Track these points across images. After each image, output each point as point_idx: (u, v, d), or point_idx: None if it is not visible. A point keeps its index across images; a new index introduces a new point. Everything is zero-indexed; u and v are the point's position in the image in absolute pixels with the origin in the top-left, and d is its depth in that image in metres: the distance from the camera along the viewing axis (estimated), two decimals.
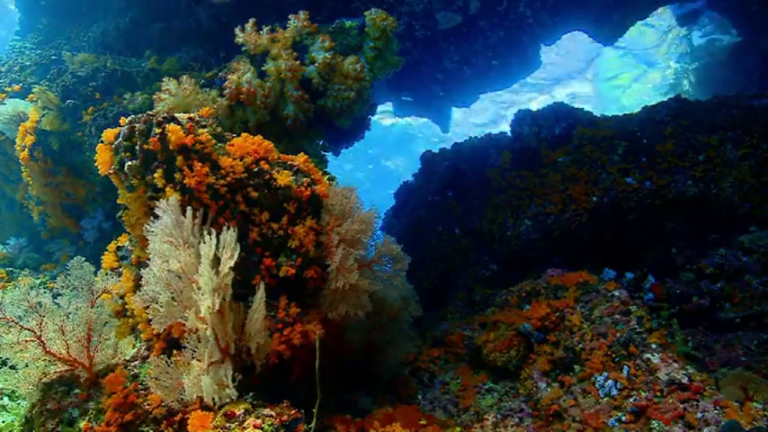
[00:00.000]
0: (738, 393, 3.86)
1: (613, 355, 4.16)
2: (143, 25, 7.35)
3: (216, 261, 3.12)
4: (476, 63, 10.44)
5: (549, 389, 4.31)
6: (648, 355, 4.02)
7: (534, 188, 7.21)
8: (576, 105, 8.15)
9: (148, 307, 3.27)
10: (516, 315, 4.94)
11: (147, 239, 3.32)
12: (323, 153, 6.36)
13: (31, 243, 7.98)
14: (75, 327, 3.57)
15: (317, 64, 5.59)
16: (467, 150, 8.97)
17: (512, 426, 4.11)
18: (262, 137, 3.92)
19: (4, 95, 7.57)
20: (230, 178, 3.58)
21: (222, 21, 6.93)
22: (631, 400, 3.81)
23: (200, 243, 3.15)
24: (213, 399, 3.07)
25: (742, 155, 6.31)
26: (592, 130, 7.28)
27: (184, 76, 5.27)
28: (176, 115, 3.72)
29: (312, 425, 3.05)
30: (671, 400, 3.68)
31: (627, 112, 7.77)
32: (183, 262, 3.14)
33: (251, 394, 3.12)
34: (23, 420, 3.63)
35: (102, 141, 3.86)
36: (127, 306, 4.11)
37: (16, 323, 3.42)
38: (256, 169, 3.70)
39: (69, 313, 3.57)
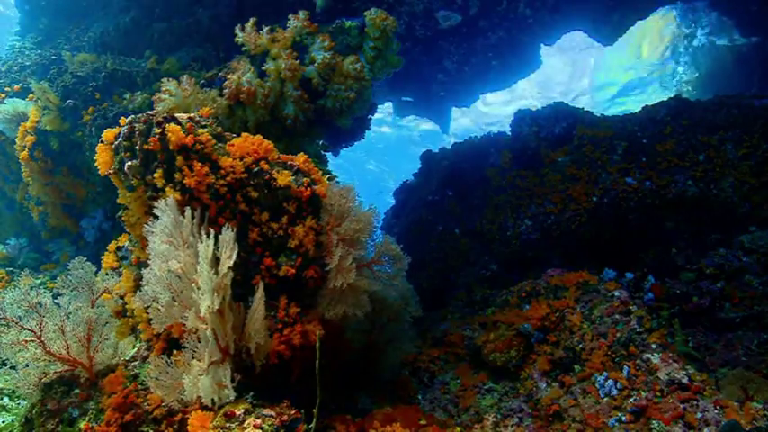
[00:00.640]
0: (738, 393, 3.86)
1: (613, 355, 4.16)
2: (143, 25, 7.35)
3: (215, 261, 3.12)
4: (476, 63, 10.44)
5: (549, 389, 4.31)
6: (648, 355, 4.02)
7: (534, 188, 7.21)
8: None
9: (148, 307, 3.27)
10: (516, 315, 4.94)
11: (147, 239, 3.32)
12: (323, 153, 6.36)
13: (31, 243, 7.97)
14: (75, 327, 3.57)
15: (316, 64, 5.59)
16: (466, 150, 8.97)
17: (512, 426, 4.11)
18: (261, 137, 3.92)
19: (3, 95, 7.57)
20: (230, 178, 3.58)
21: (222, 21, 6.93)
22: (631, 399, 3.81)
23: (199, 243, 3.15)
24: (212, 399, 3.07)
25: (742, 155, 6.31)
26: (592, 130, 7.28)
27: (184, 77, 5.26)
28: (176, 115, 3.72)
29: (312, 425, 3.04)
30: (671, 400, 3.68)
31: (627, 112, 7.77)
32: (183, 262, 3.14)
33: (251, 394, 3.12)
34: (23, 420, 3.63)
35: (102, 141, 3.86)
36: (127, 306, 4.11)
37: (16, 323, 3.42)
38: (256, 169, 3.69)
39: (69, 313, 3.58)
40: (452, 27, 9.06)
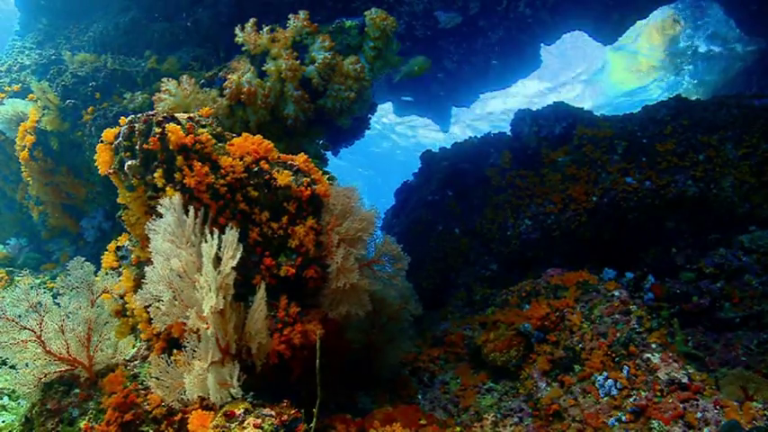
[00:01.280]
0: (738, 393, 3.86)
1: (613, 355, 4.16)
2: (143, 25, 7.35)
3: (217, 261, 3.12)
4: (476, 62, 10.45)
5: (548, 388, 4.31)
6: (648, 355, 4.02)
7: (534, 188, 7.21)
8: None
9: (148, 306, 3.27)
10: (516, 315, 4.94)
11: (147, 239, 3.32)
12: (323, 153, 6.36)
13: (31, 243, 7.97)
14: (74, 326, 3.57)
15: (317, 64, 5.59)
16: (467, 150, 8.97)
17: (511, 425, 4.11)
18: (261, 136, 3.92)
19: (3, 95, 7.57)
20: (230, 178, 3.58)
21: (222, 21, 6.93)
22: (631, 399, 3.81)
23: (201, 243, 3.15)
24: (214, 398, 3.07)
25: (742, 155, 6.31)
26: (592, 130, 7.28)
27: (184, 76, 5.26)
28: (176, 115, 3.72)
29: (312, 424, 3.04)
30: (671, 400, 3.68)
31: (627, 112, 7.77)
32: (185, 261, 3.14)
33: (251, 394, 3.12)
34: (23, 420, 3.63)
35: (102, 141, 3.86)
36: (127, 306, 4.11)
37: (16, 323, 3.42)
38: (256, 169, 3.69)
39: (69, 313, 3.57)
40: (452, 27, 9.06)
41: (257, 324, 3.23)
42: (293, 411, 3.03)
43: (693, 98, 7.27)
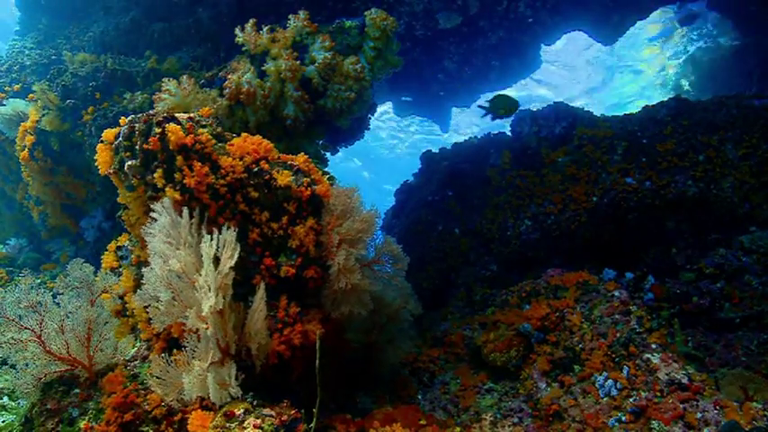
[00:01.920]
0: (738, 393, 3.86)
1: (613, 356, 4.16)
2: (143, 25, 7.35)
3: (216, 261, 3.12)
4: (476, 63, 10.45)
5: (548, 389, 4.31)
6: (648, 356, 4.02)
7: (534, 188, 7.21)
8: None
9: (148, 306, 3.27)
10: (516, 315, 4.94)
11: (146, 239, 3.32)
12: (323, 153, 6.36)
13: (31, 243, 7.97)
14: (74, 326, 3.57)
15: (317, 64, 5.59)
16: (467, 150, 8.98)
17: (511, 425, 4.11)
18: (261, 137, 3.92)
19: (3, 95, 7.57)
20: (230, 178, 3.58)
21: (222, 21, 6.93)
22: (631, 400, 3.81)
23: (198, 243, 3.15)
24: (214, 398, 3.07)
25: (742, 155, 6.31)
26: (592, 130, 7.28)
27: (184, 76, 5.26)
28: (176, 115, 3.72)
29: (312, 425, 3.04)
30: (671, 401, 3.68)
31: (627, 112, 7.78)
32: (183, 262, 3.14)
33: (251, 394, 3.12)
34: (23, 420, 3.63)
35: (102, 141, 3.86)
36: (127, 306, 4.11)
37: (16, 322, 3.42)
38: (256, 169, 3.69)
39: (69, 313, 3.57)
40: (452, 27, 9.06)
41: (257, 324, 3.23)
42: (293, 411, 3.03)
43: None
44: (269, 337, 3.34)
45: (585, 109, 8.08)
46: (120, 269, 4.40)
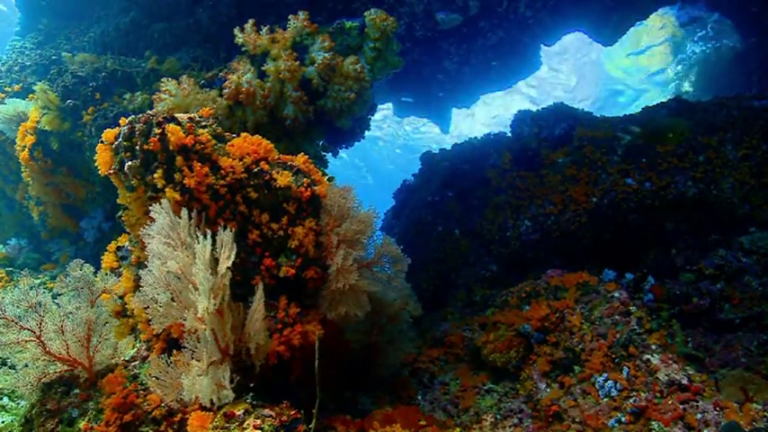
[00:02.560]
0: (738, 394, 3.86)
1: (613, 356, 4.16)
2: (143, 25, 7.35)
3: (214, 261, 3.12)
4: (476, 63, 10.44)
5: (548, 389, 4.31)
6: (648, 356, 4.02)
7: (534, 189, 7.21)
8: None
9: (148, 307, 3.27)
10: (516, 316, 4.94)
11: (145, 240, 3.32)
12: (323, 153, 6.36)
13: (31, 243, 7.97)
14: (74, 327, 3.57)
15: (316, 64, 5.59)
16: (466, 150, 8.98)
17: (511, 426, 4.11)
18: (261, 137, 3.92)
19: (3, 95, 7.57)
20: (230, 179, 3.58)
21: (222, 21, 6.93)
22: (631, 400, 3.81)
23: (196, 244, 3.14)
24: (212, 399, 3.07)
25: (742, 155, 6.31)
26: (592, 131, 7.28)
27: (184, 77, 5.27)
28: (176, 115, 3.72)
29: (312, 425, 3.04)
30: (671, 401, 3.68)
31: (627, 113, 7.78)
32: (181, 263, 3.14)
33: (250, 395, 3.12)
34: (23, 420, 3.63)
35: (102, 141, 3.86)
36: (127, 306, 4.11)
37: (16, 323, 3.42)
38: (256, 170, 3.69)
39: (69, 313, 3.57)
40: (452, 28, 9.06)
41: (256, 325, 3.23)
42: (293, 412, 3.03)
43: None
44: (268, 337, 3.34)
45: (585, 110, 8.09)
46: (120, 270, 4.40)
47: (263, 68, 5.56)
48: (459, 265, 7.47)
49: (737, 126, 6.52)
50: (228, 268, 3.11)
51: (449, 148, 9.66)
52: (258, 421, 2.88)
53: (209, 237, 3.11)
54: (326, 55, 5.60)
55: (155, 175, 3.52)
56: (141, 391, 3.41)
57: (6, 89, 7.71)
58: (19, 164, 7.04)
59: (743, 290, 5.23)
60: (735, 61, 13.01)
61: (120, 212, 4.01)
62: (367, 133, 7.51)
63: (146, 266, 3.31)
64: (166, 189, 3.47)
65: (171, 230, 3.22)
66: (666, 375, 3.84)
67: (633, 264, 6.01)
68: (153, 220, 3.30)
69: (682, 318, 5.08)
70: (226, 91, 5.47)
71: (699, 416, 3.55)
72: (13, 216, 8.26)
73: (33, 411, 3.54)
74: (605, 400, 3.93)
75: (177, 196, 3.42)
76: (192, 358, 3.16)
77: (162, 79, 5.30)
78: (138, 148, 3.64)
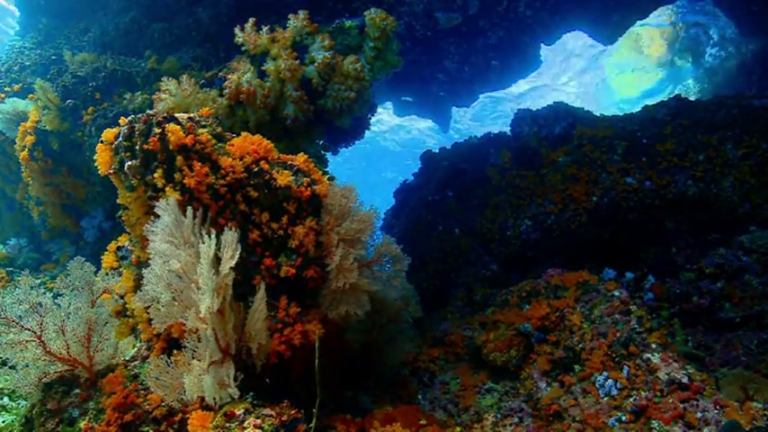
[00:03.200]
0: (738, 393, 3.86)
1: (613, 355, 4.16)
2: (143, 25, 7.35)
3: (216, 261, 3.12)
4: (476, 63, 10.45)
5: (549, 388, 4.31)
6: (648, 355, 4.02)
7: (534, 188, 7.21)
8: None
9: (149, 307, 3.27)
10: (516, 315, 4.94)
11: (147, 239, 3.32)
12: (323, 153, 6.36)
13: (31, 243, 7.98)
14: (75, 327, 3.57)
15: (316, 64, 5.59)
16: (466, 150, 8.97)
17: (512, 425, 4.11)
18: (261, 136, 3.92)
19: (3, 95, 7.57)
20: (230, 178, 3.58)
21: (222, 21, 6.93)
22: (631, 399, 3.81)
23: (200, 243, 3.14)
24: (214, 398, 3.07)
25: (742, 155, 6.31)
26: (592, 130, 7.28)
27: (184, 76, 5.26)
28: (176, 115, 3.72)
29: (312, 425, 3.05)
30: (671, 400, 3.68)
31: (627, 112, 7.78)
32: (184, 262, 3.14)
33: (251, 394, 3.12)
34: (23, 420, 3.63)
35: (102, 141, 3.85)
36: (127, 306, 4.11)
37: (16, 323, 3.42)
38: (256, 169, 3.69)
39: (69, 313, 3.57)
40: (452, 27, 9.06)
41: (257, 324, 3.23)
42: (293, 411, 3.03)
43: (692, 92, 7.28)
44: (269, 337, 3.34)
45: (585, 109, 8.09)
46: (121, 269, 4.40)
47: (263, 68, 5.56)
48: (460, 265, 7.47)
49: (738, 125, 6.52)
50: (231, 268, 3.11)
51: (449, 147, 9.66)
52: (258, 421, 2.88)
53: (213, 236, 3.11)
54: (326, 54, 5.59)
55: (155, 175, 3.52)
56: (142, 391, 3.41)
57: (6, 89, 7.72)
58: (19, 164, 7.05)
59: (743, 289, 5.23)
60: (733, 59, 13.01)
61: (120, 212, 4.01)
62: (367, 133, 7.52)
63: (146, 266, 3.31)
64: (166, 189, 3.47)
65: (175, 229, 3.22)
66: (667, 374, 3.84)
67: (633, 263, 6.02)
68: (156, 216, 3.29)
69: (682, 317, 5.09)
70: (226, 91, 5.47)
71: (699, 415, 3.55)
72: (13, 216, 8.26)
73: (34, 411, 3.54)
74: (605, 399, 3.93)
75: (177, 196, 3.42)
76: (193, 358, 3.16)
77: (162, 79, 5.29)
78: (137, 147, 3.64)
